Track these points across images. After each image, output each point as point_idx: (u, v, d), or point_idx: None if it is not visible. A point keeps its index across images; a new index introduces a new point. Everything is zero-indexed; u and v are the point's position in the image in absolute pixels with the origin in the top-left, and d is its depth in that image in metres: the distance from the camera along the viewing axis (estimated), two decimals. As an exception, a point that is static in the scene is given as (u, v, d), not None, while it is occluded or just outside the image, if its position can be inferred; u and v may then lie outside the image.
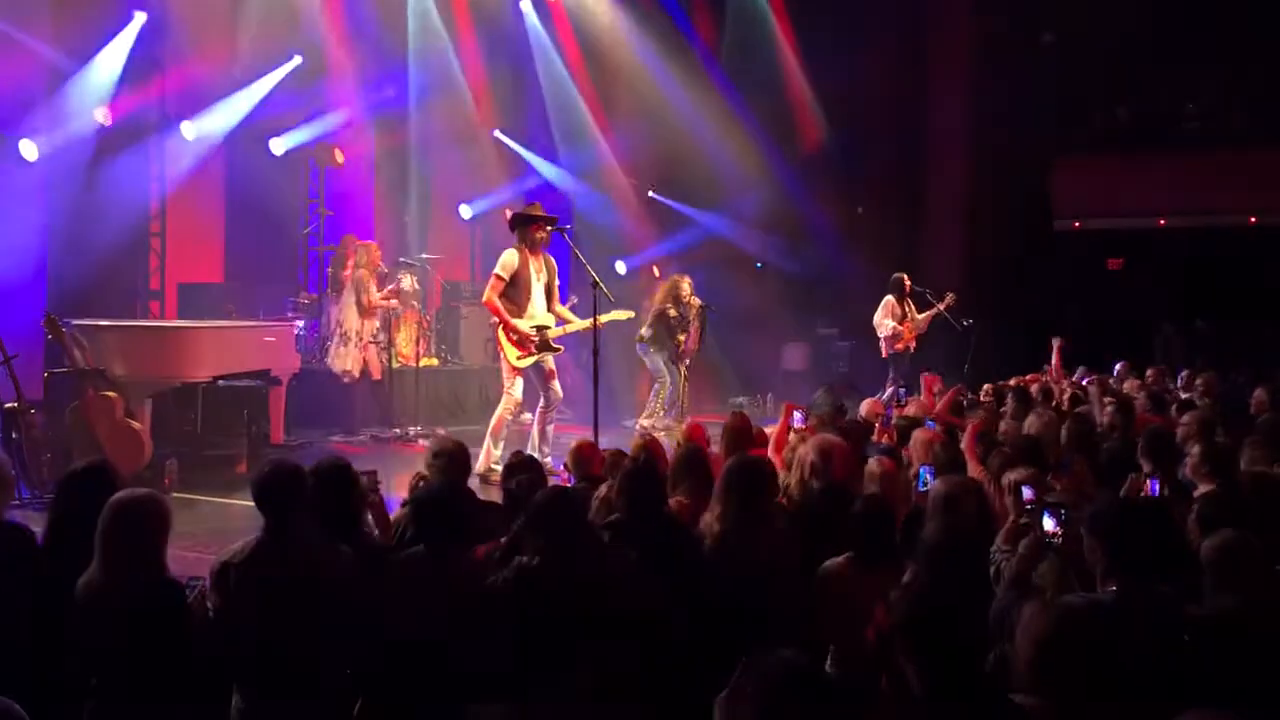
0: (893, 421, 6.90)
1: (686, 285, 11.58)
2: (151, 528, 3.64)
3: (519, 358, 8.42)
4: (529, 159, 14.33)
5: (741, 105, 14.62)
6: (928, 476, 4.89)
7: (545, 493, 4.15)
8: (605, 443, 6.56)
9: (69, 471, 4.32)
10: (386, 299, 11.12)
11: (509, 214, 9.26)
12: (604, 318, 8.31)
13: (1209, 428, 6.05)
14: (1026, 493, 4.12)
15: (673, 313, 11.41)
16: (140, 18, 10.58)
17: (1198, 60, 15.43)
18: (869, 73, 13.76)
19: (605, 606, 3.72)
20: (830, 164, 15.01)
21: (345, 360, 10.91)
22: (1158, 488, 4.91)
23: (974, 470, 5.25)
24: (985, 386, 9.03)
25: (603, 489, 4.95)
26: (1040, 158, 16.06)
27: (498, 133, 14.02)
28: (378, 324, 11.14)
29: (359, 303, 10.90)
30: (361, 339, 10.95)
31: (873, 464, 5.07)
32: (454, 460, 4.92)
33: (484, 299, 8.53)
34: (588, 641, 3.63)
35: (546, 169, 14.28)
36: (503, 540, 4.32)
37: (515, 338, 8.38)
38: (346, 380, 10.91)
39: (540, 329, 8.46)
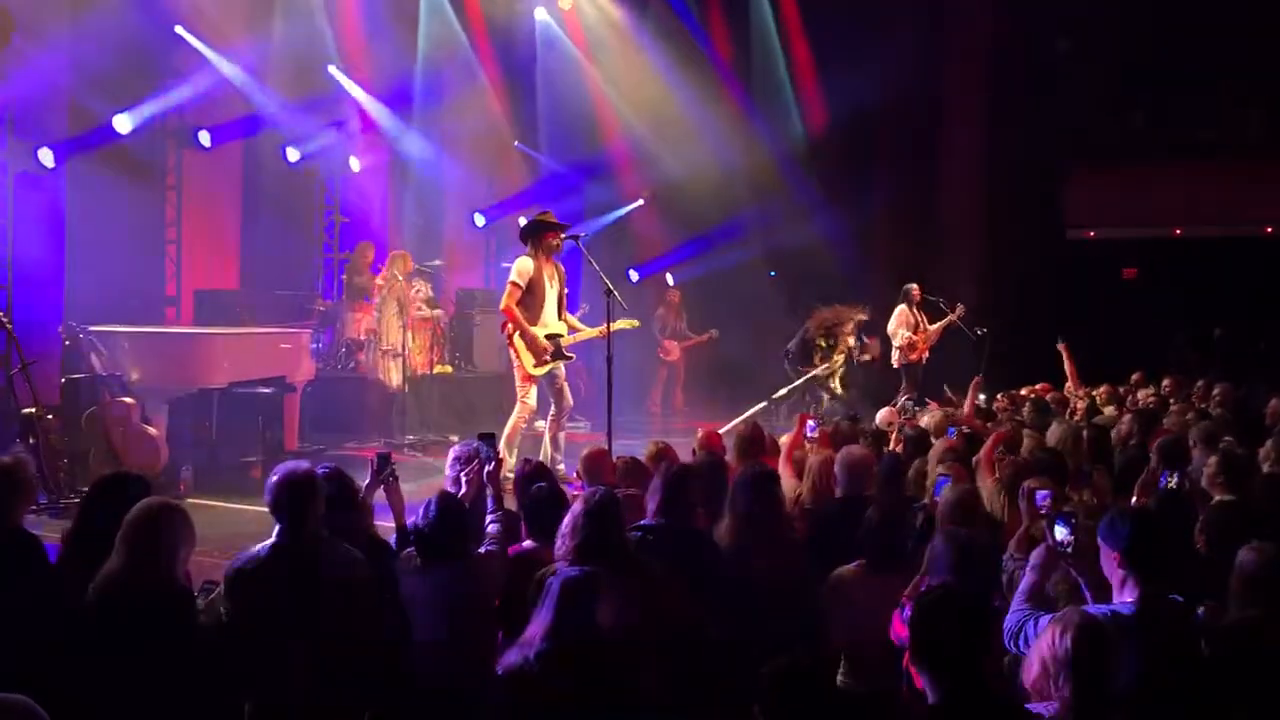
0: (905, 431, 6.89)
1: (852, 326, 11.44)
2: (172, 537, 3.65)
3: (535, 365, 8.43)
4: (543, 166, 14.37)
5: (756, 115, 14.63)
6: (945, 485, 4.87)
7: (594, 499, 3.96)
8: (617, 449, 6.57)
9: (101, 477, 4.31)
10: (425, 317, 11.29)
11: (522, 222, 9.26)
12: (613, 326, 8.30)
13: (1224, 438, 6.03)
14: (1040, 500, 4.11)
15: (821, 342, 11.29)
16: (164, 28, 10.67)
17: (1213, 69, 15.36)
18: (883, 81, 13.74)
19: (642, 615, 3.66)
20: (844, 173, 14.99)
21: (392, 373, 11.02)
22: (1167, 480, 4.88)
23: (987, 479, 5.23)
24: (999, 396, 9.01)
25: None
26: (1054, 166, 16.01)
27: (517, 143, 14.07)
28: (411, 334, 11.23)
29: (399, 315, 10.99)
30: (397, 349, 11.03)
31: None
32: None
33: (502, 306, 8.46)
34: (615, 650, 3.56)
35: (558, 176, 14.31)
36: (524, 543, 4.34)
37: (531, 346, 8.38)
38: (395, 392, 11.02)
39: (554, 337, 8.46)
